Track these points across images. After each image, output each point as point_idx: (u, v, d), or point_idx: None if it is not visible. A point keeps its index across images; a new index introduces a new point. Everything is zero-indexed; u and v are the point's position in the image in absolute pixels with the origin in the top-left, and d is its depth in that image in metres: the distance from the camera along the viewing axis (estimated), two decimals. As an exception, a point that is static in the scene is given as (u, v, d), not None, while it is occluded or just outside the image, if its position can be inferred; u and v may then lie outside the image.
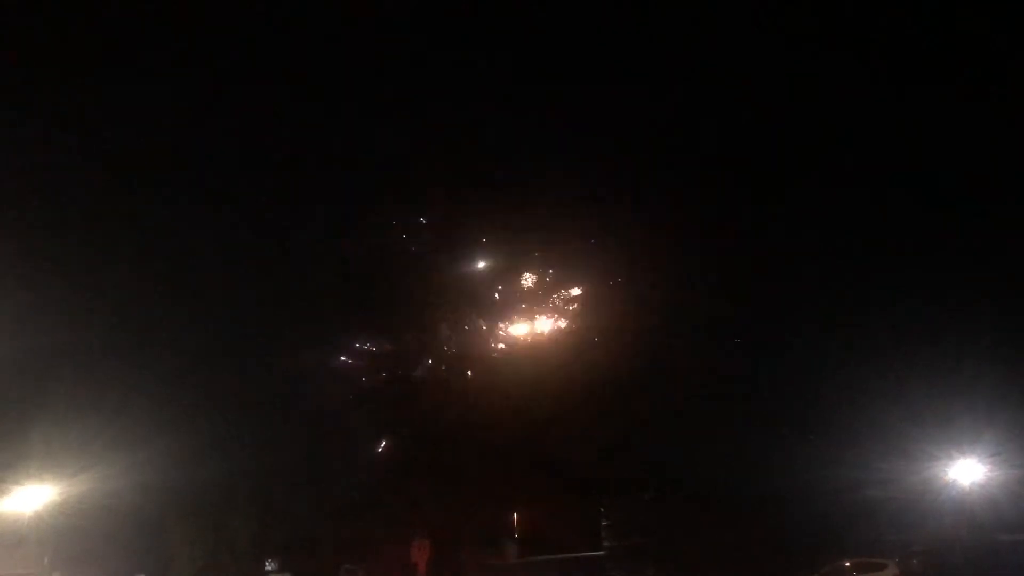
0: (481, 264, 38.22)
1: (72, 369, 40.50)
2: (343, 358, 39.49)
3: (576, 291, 38.92)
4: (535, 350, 37.96)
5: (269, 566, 68.54)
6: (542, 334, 38.51)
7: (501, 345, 37.64)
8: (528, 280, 38.76)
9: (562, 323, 38.75)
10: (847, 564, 28.12)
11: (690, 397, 41.61)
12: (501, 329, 38.25)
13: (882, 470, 34.90)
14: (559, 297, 38.71)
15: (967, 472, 32.36)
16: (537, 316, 38.89)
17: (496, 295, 38.16)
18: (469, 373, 36.77)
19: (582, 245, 38.50)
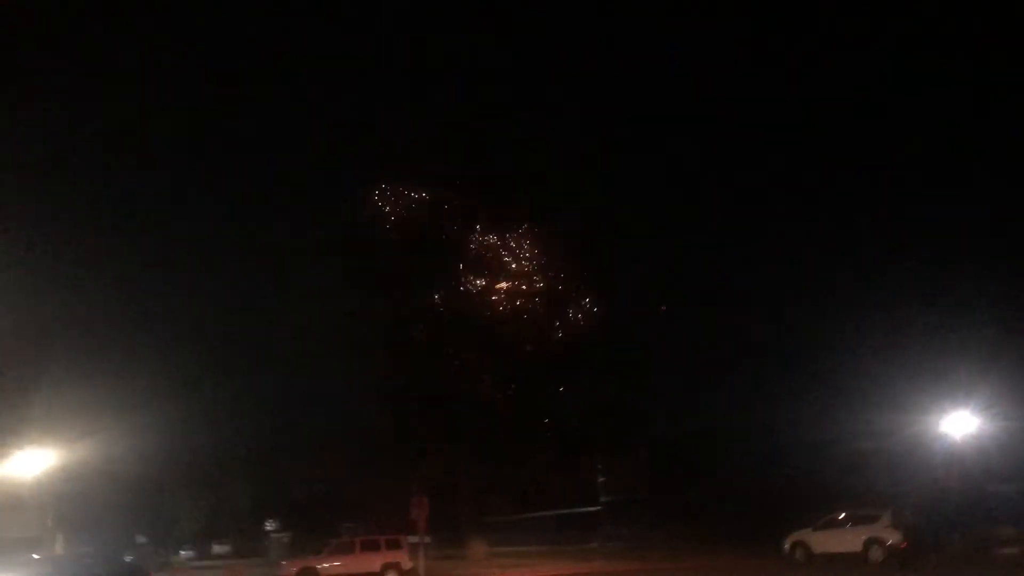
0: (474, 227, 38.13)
1: (73, 335, 40.52)
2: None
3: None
4: (523, 309, 38.10)
5: (270, 526, 69.43)
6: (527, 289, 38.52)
7: (493, 298, 37.69)
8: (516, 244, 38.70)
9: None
10: (841, 516, 28.46)
11: (680, 354, 41.91)
12: (489, 288, 38.29)
13: (875, 422, 35.21)
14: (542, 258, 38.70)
15: (960, 424, 32.67)
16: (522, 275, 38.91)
17: (485, 253, 38.11)
18: (462, 331, 36.89)
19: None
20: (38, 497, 41.08)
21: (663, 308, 40.78)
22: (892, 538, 26.16)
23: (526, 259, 38.90)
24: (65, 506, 45.36)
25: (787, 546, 29.33)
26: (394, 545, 31.79)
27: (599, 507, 53.51)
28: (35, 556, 36.59)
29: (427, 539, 31.87)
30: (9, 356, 38.01)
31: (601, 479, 54.40)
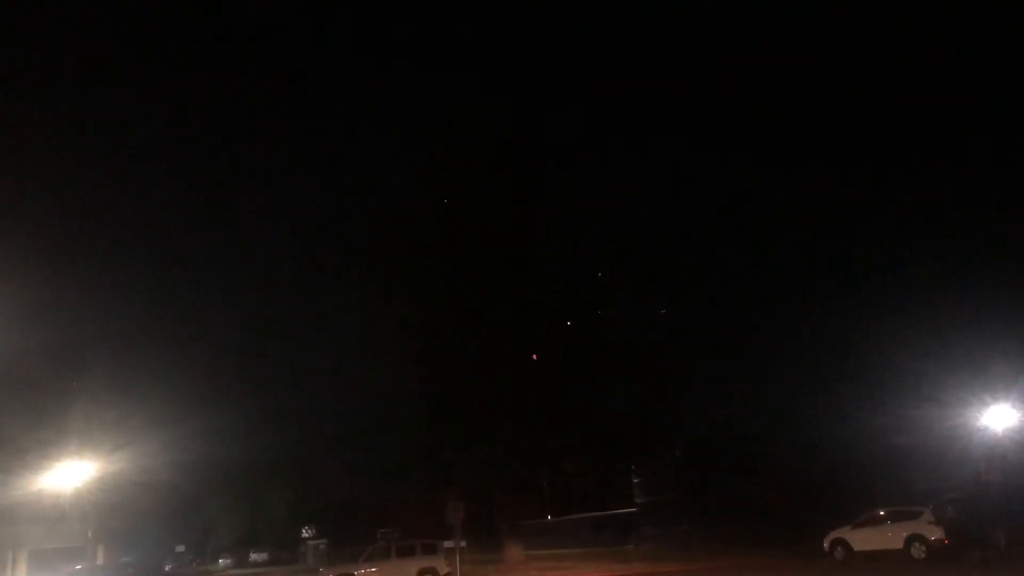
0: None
1: (111, 350, 41.20)
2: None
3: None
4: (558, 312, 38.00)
5: (306, 533, 69.83)
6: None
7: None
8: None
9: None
10: (881, 513, 28.09)
11: (713, 353, 41.59)
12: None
13: (912, 417, 34.75)
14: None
15: (1000, 418, 32.12)
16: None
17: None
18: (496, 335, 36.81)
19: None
20: (79, 508, 41.69)
21: (663, 311, 40.62)
22: (934, 535, 25.79)
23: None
24: (105, 517, 45.97)
25: (827, 544, 29.00)
26: (430, 550, 31.80)
27: (634, 508, 53.25)
28: (78, 567, 37.17)
29: (463, 543, 31.80)
30: (49, 371, 38.64)
31: (636, 480, 54.12)
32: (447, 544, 32.10)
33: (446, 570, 31.04)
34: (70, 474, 37.97)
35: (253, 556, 70.09)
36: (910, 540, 26.29)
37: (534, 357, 36.87)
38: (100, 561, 46.63)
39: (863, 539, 27.94)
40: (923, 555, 25.82)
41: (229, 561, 68.70)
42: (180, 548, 69.19)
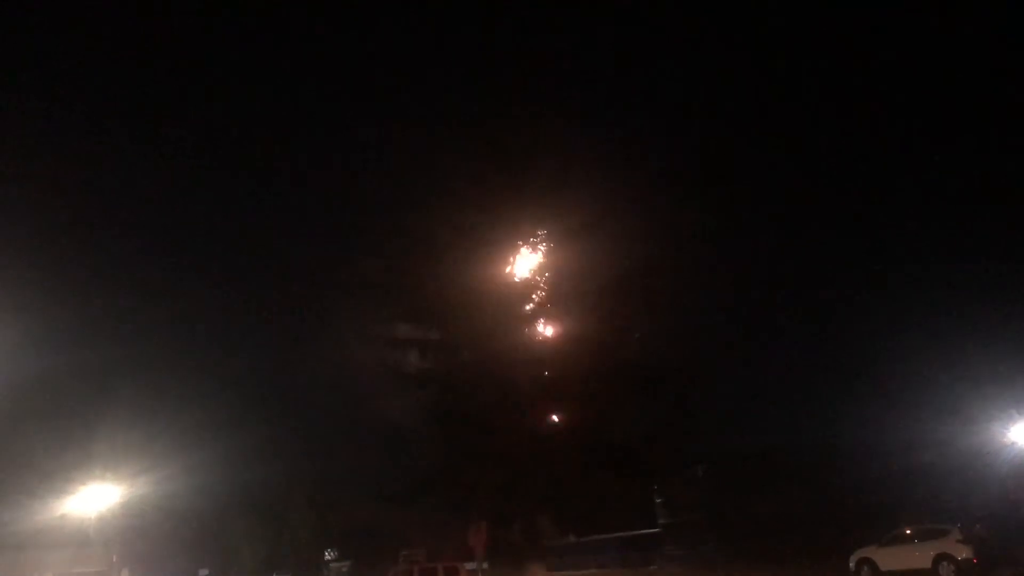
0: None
1: (134, 375, 41.56)
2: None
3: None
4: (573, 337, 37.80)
5: (329, 555, 69.76)
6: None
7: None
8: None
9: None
10: (908, 531, 27.70)
11: (741, 370, 41.26)
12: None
13: (938, 432, 34.28)
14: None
15: (1028, 433, 31.68)
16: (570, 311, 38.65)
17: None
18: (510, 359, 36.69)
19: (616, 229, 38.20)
20: (103, 533, 41.86)
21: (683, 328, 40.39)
22: (962, 553, 25.38)
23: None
24: (129, 541, 46.15)
25: (853, 564, 28.64)
26: (452, 572, 31.75)
27: (658, 528, 52.82)
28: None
29: (485, 565, 31.70)
30: (74, 396, 38.97)
31: (659, 500, 53.64)
32: (469, 566, 31.99)
33: (468, 592, 30.96)
34: (95, 499, 38.17)
35: (276, 579, 69.99)
36: (938, 560, 25.88)
37: (546, 374, 36.66)
38: (124, 585, 46.79)
39: (890, 558, 27.55)
40: (952, 574, 25.43)
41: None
42: (204, 572, 69.26)
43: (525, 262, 37.39)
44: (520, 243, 37.66)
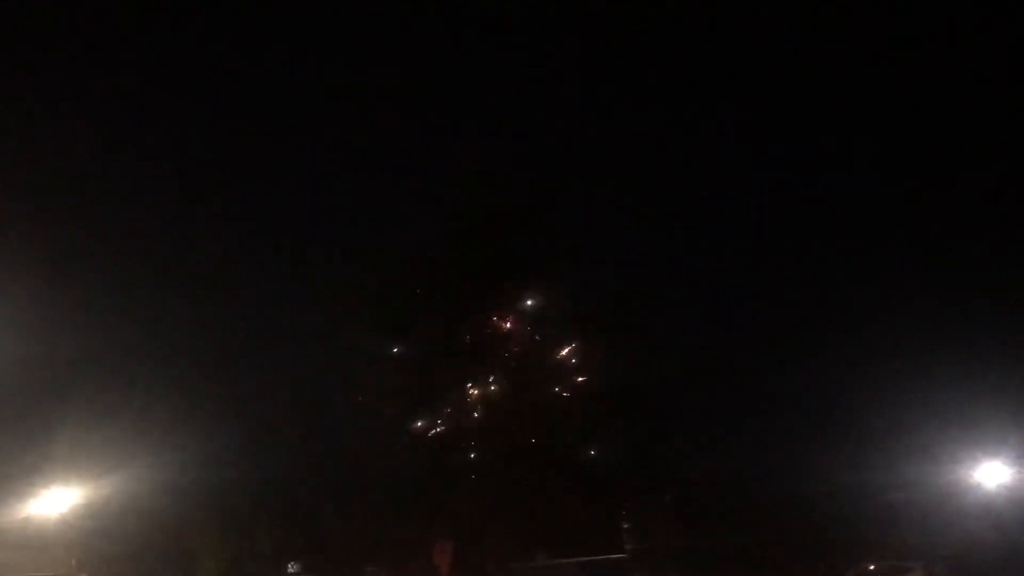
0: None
1: (97, 372, 40.86)
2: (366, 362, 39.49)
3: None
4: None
5: (291, 568, 68.80)
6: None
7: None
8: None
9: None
10: (871, 568, 27.80)
11: (710, 400, 41.32)
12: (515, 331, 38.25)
13: (906, 472, 34.52)
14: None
15: (993, 474, 31.91)
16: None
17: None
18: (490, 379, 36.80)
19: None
20: (64, 536, 41.08)
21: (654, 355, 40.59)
22: (926, 592, 25.52)
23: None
24: (90, 545, 45.34)
25: (816, 598, 28.70)
26: (416, 590, 31.49)
27: (625, 554, 52.65)
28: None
29: (449, 584, 31.48)
30: (33, 393, 38.33)
31: (626, 526, 53.55)
32: (433, 585, 31.77)
33: (431, 611, 30.69)
34: (55, 500, 37.46)
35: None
36: (901, 597, 26.01)
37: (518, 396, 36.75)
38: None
39: (854, 594, 27.65)
40: (915, 612, 25.53)
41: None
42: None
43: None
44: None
